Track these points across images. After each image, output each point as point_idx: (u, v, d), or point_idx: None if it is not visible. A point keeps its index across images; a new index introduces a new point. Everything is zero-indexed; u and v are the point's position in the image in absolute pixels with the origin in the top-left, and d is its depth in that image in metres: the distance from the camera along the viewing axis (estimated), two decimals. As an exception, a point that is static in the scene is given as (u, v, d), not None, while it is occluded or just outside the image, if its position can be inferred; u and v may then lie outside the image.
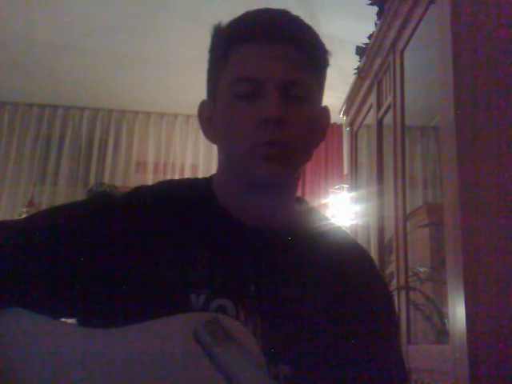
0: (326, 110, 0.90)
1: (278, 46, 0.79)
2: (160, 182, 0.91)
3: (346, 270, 0.86)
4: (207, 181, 0.90)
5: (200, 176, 0.95)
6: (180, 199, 0.85)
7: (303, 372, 0.77)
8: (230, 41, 0.81)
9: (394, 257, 2.34)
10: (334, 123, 4.96)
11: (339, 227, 0.96)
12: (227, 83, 0.81)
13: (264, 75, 0.78)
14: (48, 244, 0.76)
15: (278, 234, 0.85)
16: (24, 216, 0.92)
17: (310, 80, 0.82)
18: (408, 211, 2.32)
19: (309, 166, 4.91)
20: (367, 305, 0.85)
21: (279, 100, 0.77)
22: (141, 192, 0.87)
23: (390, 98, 2.46)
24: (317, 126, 0.85)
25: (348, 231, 0.97)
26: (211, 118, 0.86)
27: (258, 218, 0.84)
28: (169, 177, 4.83)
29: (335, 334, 0.80)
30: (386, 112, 2.57)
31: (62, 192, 4.76)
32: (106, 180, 4.77)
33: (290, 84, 0.79)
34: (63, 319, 0.75)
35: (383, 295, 0.92)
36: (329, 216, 1.00)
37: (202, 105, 0.89)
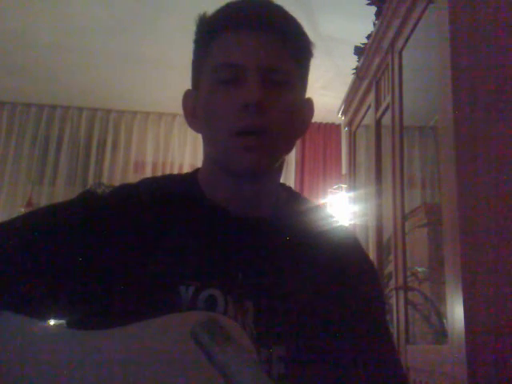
0: (309, 102, 0.90)
1: (259, 34, 0.80)
2: (144, 179, 0.91)
3: (334, 252, 0.87)
4: (192, 174, 0.91)
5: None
6: (165, 194, 0.85)
7: (298, 352, 0.78)
8: (213, 29, 0.83)
9: (392, 257, 2.34)
10: (333, 123, 4.97)
11: (326, 212, 0.97)
12: (209, 70, 0.82)
13: (245, 61, 0.79)
14: (37, 246, 0.76)
15: (263, 221, 0.85)
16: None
17: (291, 68, 0.83)
18: (406, 211, 2.32)
19: (307, 165, 4.92)
20: (356, 286, 0.87)
21: (259, 85, 0.78)
22: (126, 190, 0.87)
23: (388, 98, 2.46)
24: (299, 115, 0.85)
25: (334, 215, 0.97)
26: (195, 108, 0.87)
27: (244, 206, 0.85)
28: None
29: (326, 312, 0.81)
30: (384, 112, 2.57)
31: (61, 192, 4.76)
32: (105, 180, 4.77)
33: (270, 70, 0.80)
34: (57, 322, 0.75)
35: (371, 278, 0.93)
36: (315, 203, 1.00)
37: (186, 94, 0.90)
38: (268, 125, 0.78)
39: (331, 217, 0.96)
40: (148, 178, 0.92)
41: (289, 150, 0.85)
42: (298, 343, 0.78)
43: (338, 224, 0.96)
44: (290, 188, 0.95)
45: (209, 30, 0.84)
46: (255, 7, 0.83)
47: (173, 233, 0.81)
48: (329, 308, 0.82)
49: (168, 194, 0.85)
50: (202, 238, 0.82)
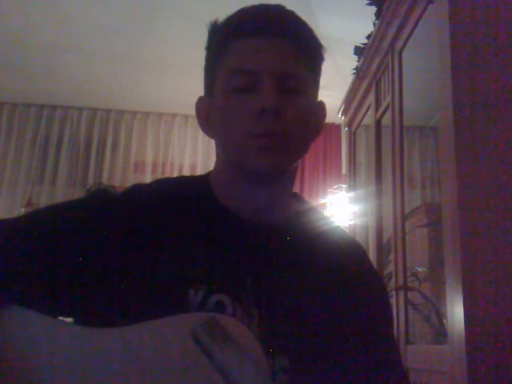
0: (321, 105, 0.91)
1: (273, 40, 0.80)
2: (157, 180, 0.91)
3: (344, 266, 0.87)
4: (205, 177, 0.90)
5: (198, 176, 0.95)
6: (178, 196, 0.85)
7: (302, 363, 0.77)
8: (227, 36, 0.83)
9: (392, 257, 2.34)
10: (333, 123, 4.97)
11: (337, 224, 0.96)
12: (224, 76, 0.82)
13: (260, 67, 0.79)
14: (47, 242, 0.76)
15: (276, 228, 0.85)
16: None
17: (306, 73, 0.83)
18: (406, 211, 2.32)
19: (307, 165, 4.92)
20: (364, 298, 0.86)
21: (275, 91, 0.78)
22: (139, 190, 0.87)
23: (388, 98, 2.46)
24: (313, 119, 0.86)
25: (345, 229, 0.97)
26: (208, 113, 0.87)
27: (256, 212, 0.85)
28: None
29: (333, 326, 0.81)
30: (384, 112, 2.57)
31: (61, 192, 4.76)
32: (105, 180, 4.77)
33: (285, 76, 0.80)
34: (61, 318, 0.75)
35: (379, 289, 0.93)
36: (327, 215, 1.01)
37: (200, 100, 0.90)
38: (284, 130, 0.79)
39: (342, 230, 0.96)
40: (162, 179, 0.93)
41: (304, 153, 0.86)
42: (301, 355, 0.77)
43: (348, 237, 0.96)
44: (302, 198, 0.95)
45: (222, 37, 0.84)
46: (269, 13, 0.83)
47: (184, 236, 0.81)
48: (335, 321, 0.81)
49: (181, 196, 0.85)
50: (214, 242, 0.81)
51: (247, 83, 0.79)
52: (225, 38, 0.83)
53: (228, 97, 0.81)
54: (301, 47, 0.82)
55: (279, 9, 0.84)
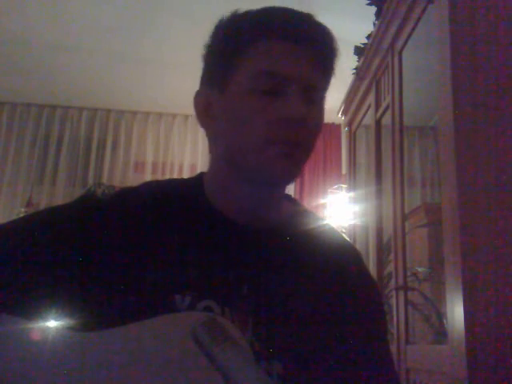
0: None
1: (304, 47, 0.78)
2: (146, 183, 0.89)
3: (339, 270, 0.86)
4: (196, 179, 0.89)
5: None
6: (168, 199, 0.84)
7: (295, 370, 0.77)
8: (254, 33, 0.79)
9: (392, 257, 2.34)
10: (333, 123, 4.97)
11: (332, 227, 0.95)
12: (247, 75, 0.78)
13: (289, 73, 0.77)
14: (36, 249, 0.76)
15: (270, 233, 0.84)
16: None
17: (325, 85, 0.83)
18: (406, 211, 2.32)
19: (307, 165, 4.90)
20: (359, 305, 0.86)
21: (303, 101, 0.77)
22: (128, 194, 0.86)
23: (388, 98, 2.46)
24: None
25: (341, 231, 0.97)
26: (209, 107, 0.83)
27: (250, 215, 0.84)
28: (167, 177, 4.82)
29: (327, 332, 0.80)
30: (384, 112, 2.57)
31: (61, 192, 4.76)
32: (105, 180, 4.77)
33: (309, 87, 0.79)
34: (54, 323, 0.75)
35: (374, 295, 0.92)
36: (326, 216, 1.00)
37: (198, 94, 0.86)
38: (303, 139, 0.78)
39: (337, 233, 0.95)
40: (150, 182, 0.91)
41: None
42: (294, 362, 0.77)
43: (343, 240, 0.95)
44: (295, 200, 0.95)
45: (248, 32, 0.79)
46: (301, 19, 0.81)
47: (173, 241, 0.80)
48: (329, 327, 0.81)
49: (170, 200, 0.84)
50: (204, 246, 0.80)
51: (272, 86, 0.77)
52: (251, 35, 0.79)
53: (248, 97, 0.77)
54: (327, 59, 0.81)
55: (310, 17, 0.82)
